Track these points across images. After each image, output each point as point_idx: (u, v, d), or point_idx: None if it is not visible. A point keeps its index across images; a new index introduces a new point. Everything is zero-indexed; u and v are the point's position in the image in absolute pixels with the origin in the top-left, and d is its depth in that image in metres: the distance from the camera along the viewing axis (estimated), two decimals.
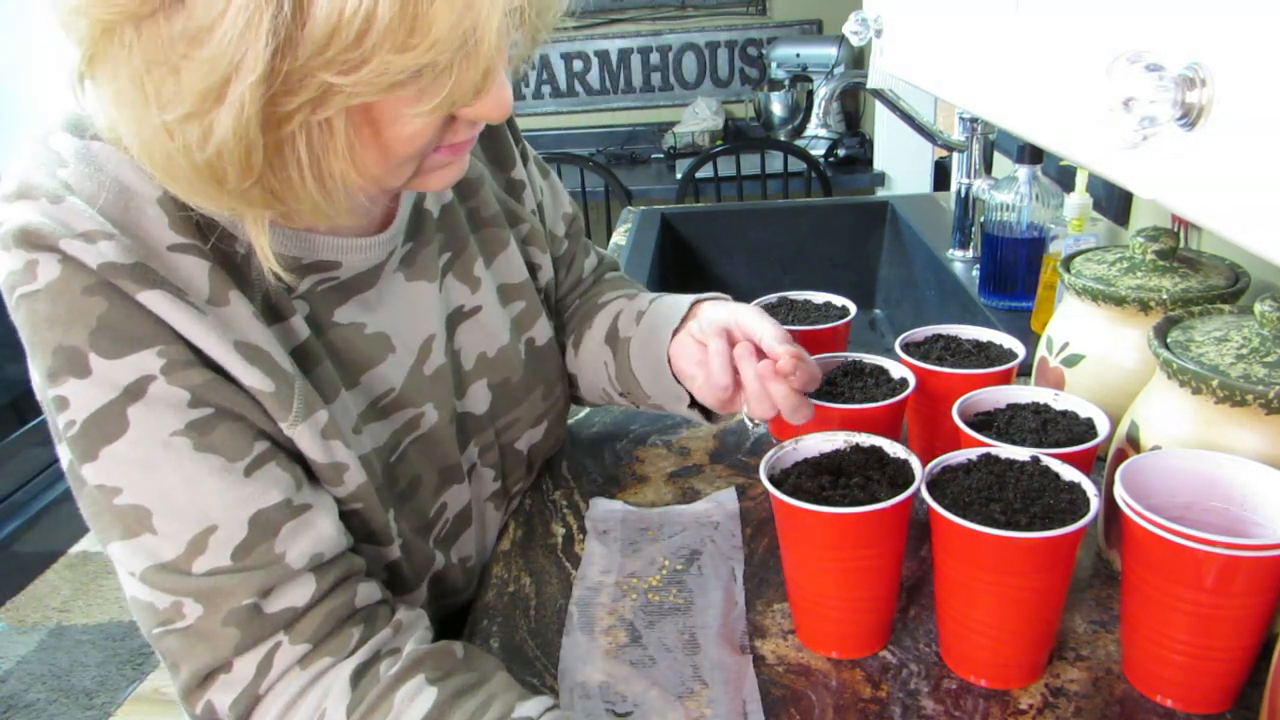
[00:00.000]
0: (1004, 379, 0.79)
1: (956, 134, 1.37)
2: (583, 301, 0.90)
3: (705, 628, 0.69)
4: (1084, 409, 0.71)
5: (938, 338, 0.86)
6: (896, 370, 0.81)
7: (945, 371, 0.79)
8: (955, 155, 1.40)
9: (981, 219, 1.26)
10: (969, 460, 0.64)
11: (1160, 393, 0.65)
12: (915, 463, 0.63)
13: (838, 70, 2.95)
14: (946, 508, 0.58)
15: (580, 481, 0.90)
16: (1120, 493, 0.57)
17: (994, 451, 0.65)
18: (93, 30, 0.44)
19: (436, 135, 0.53)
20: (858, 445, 0.68)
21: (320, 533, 0.56)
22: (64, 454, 0.54)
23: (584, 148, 3.15)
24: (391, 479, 0.67)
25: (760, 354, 0.70)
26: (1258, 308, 0.63)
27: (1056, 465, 0.62)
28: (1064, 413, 0.72)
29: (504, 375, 0.77)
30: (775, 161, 2.59)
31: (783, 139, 2.92)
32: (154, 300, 0.51)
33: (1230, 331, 0.64)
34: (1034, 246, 1.19)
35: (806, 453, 0.68)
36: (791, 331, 0.88)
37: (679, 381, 0.77)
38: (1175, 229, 0.87)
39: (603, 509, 0.84)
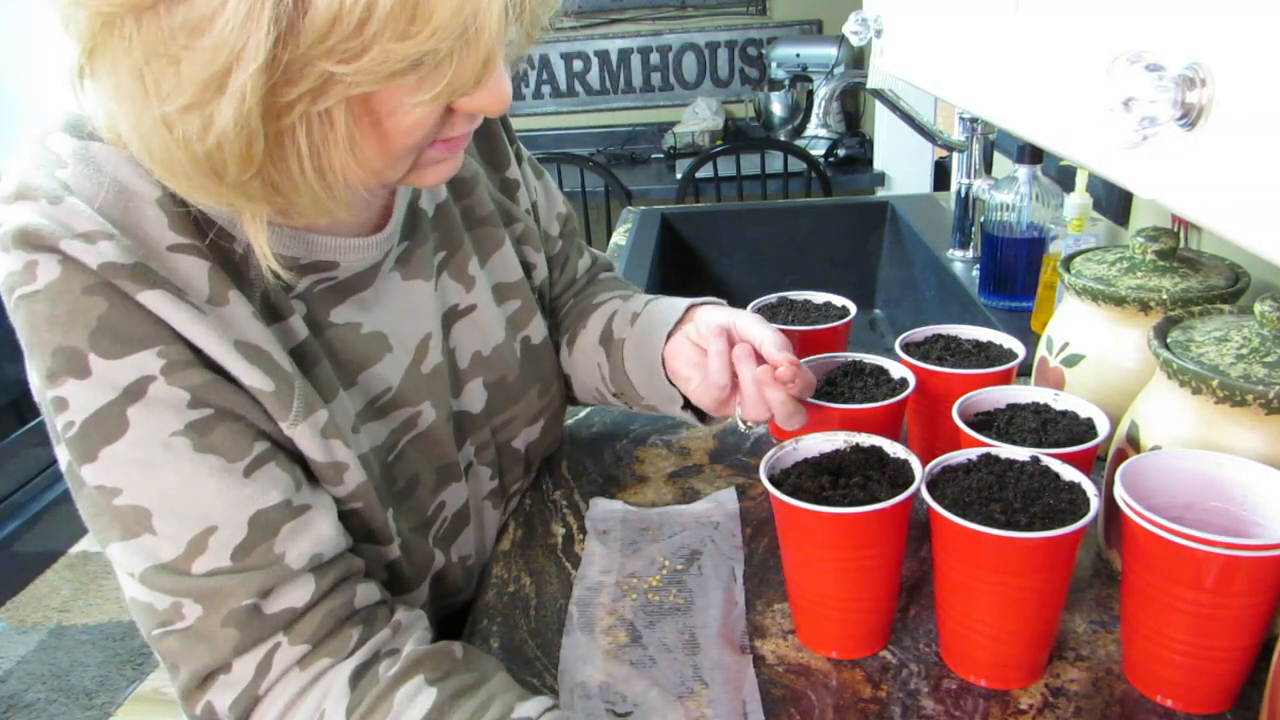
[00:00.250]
0: (1004, 379, 0.79)
1: (956, 134, 1.37)
2: (577, 301, 0.90)
3: (705, 628, 0.69)
4: (1084, 409, 0.71)
5: (938, 338, 0.86)
6: (896, 370, 0.81)
7: (945, 371, 0.79)
8: (955, 155, 1.40)
9: (981, 219, 1.26)
10: (969, 460, 0.64)
11: (1160, 393, 0.65)
12: (915, 463, 0.63)
13: (838, 70, 2.95)
14: (946, 508, 0.58)
15: (580, 481, 0.90)
16: (1120, 493, 0.57)
17: (994, 451, 0.65)
18: (92, 23, 0.44)
19: (435, 128, 0.53)
20: (858, 445, 0.68)
21: (320, 533, 0.56)
22: (63, 455, 0.54)
23: (584, 148, 3.15)
24: (390, 478, 0.67)
25: (759, 358, 0.70)
26: (1258, 308, 0.63)
27: (1056, 465, 0.62)
28: (1064, 413, 0.72)
29: (499, 374, 0.77)
30: (775, 161, 2.59)
31: (783, 139, 2.92)
32: (154, 300, 0.51)
33: (1230, 331, 0.64)
34: (1034, 246, 1.19)
35: (806, 453, 0.68)
36: (791, 332, 0.88)
37: (673, 384, 0.77)
38: (1175, 229, 0.87)
39: (603, 509, 0.84)
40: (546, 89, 3.33)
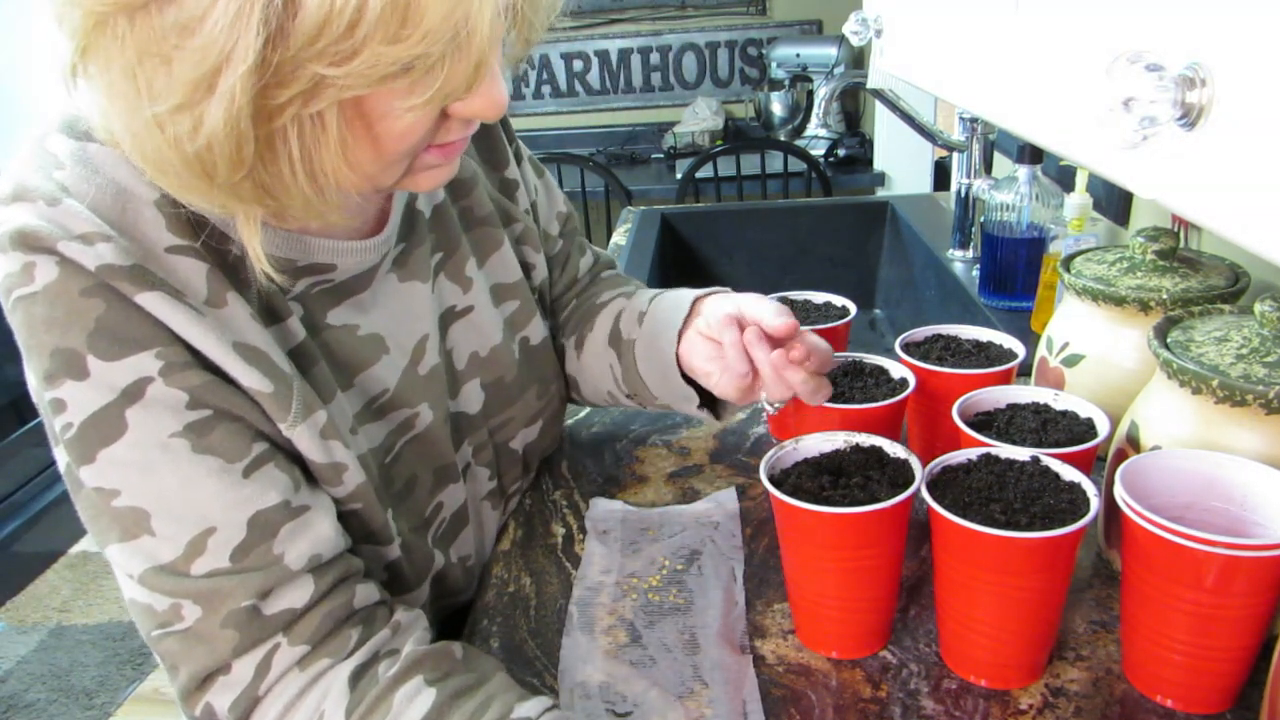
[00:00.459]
0: (1004, 379, 0.79)
1: (956, 134, 1.37)
2: (580, 302, 0.90)
3: (705, 628, 0.69)
4: (1084, 409, 0.71)
5: (938, 338, 0.86)
6: (896, 370, 0.81)
7: (945, 371, 0.79)
8: (955, 155, 1.40)
9: (981, 219, 1.26)
10: (969, 460, 0.64)
11: (1160, 393, 0.65)
12: (915, 463, 0.63)
13: (838, 70, 2.95)
14: (946, 508, 0.58)
15: (580, 481, 0.90)
16: (1120, 493, 0.57)
17: (994, 451, 0.65)
18: (86, 21, 0.44)
19: (429, 133, 0.53)
20: (858, 445, 0.68)
21: (319, 534, 0.56)
22: (61, 456, 0.54)
23: (584, 148, 3.15)
24: (388, 479, 0.67)
25: (772, 340, 0.70)
26: (1258, 308, 0.63)
27: (1056, 465, 0.62)
28: (1064, 413, 0.72)
29: (497, 375, 0.77)
30: (775, 161, 2.59)
31: (783, 139, 2.92)
32: (152, 302, 0.51)
33: (1230, 331, 0.64)
34: (1034, 246, 1.19)
35: (806, 453, 0.68)
36: None
37: (689, 382, 0.76)
38: (1175, 229, 0.87)
39: (603, 509, 0.84)
40: (546, 89, 3.33)
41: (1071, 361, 0.81)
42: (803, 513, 0.60)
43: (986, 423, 0.72)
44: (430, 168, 0.56)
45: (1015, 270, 1.21)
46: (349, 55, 0.43)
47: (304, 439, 0.57)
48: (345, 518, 0.60)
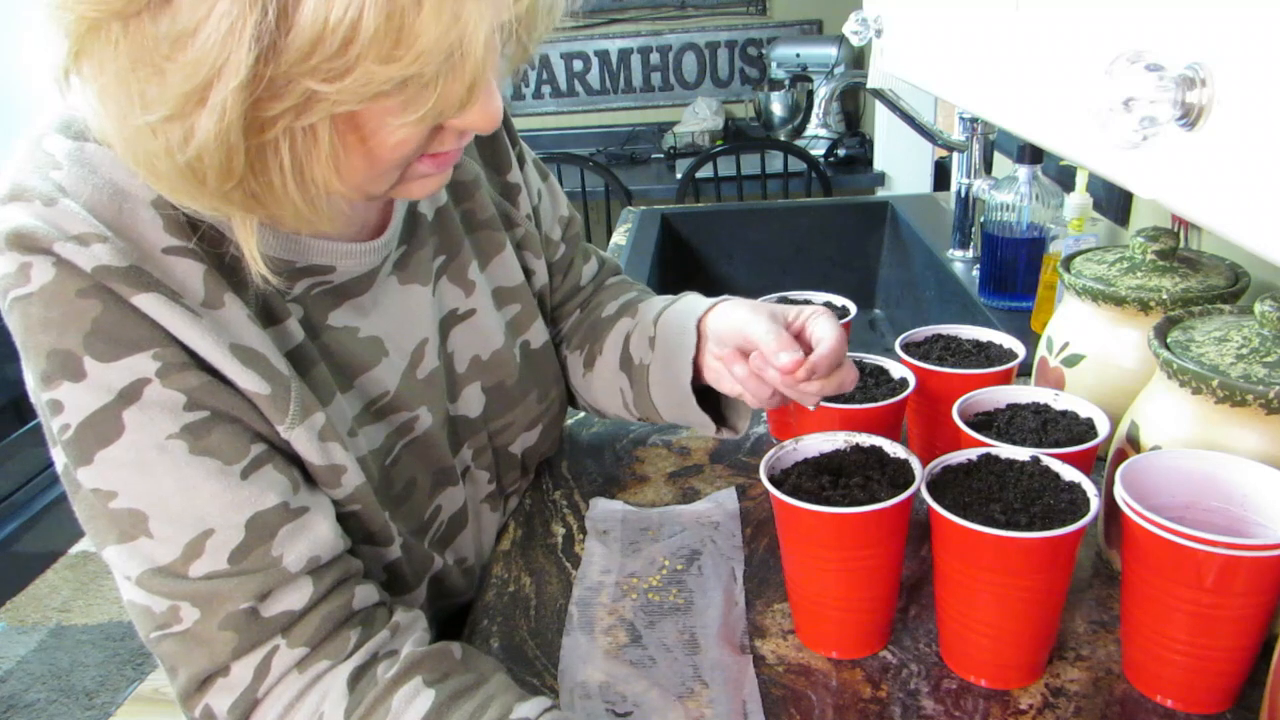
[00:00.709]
0: (1004, 379, 0.79)
1: (956, 134, 1.37)
2: (585, 314, 0.88)
3: (705, 628, 0.68)
4: (1084, 409, 0.71)
5: (938, 338, 0.86)
6: (896, 370, 0.81)
7: (945, 371, 0.79)
8: (955, 155, 1.40)
9: (981, 219, 1.26)
10: (969, 460, 0.64)
11: (1160, 393, 0.65)
12: (915, 463, 0.63)
13: (838, 70, 2.95)
14: (946, 508, 0.58)
15: (580, 481, 0.90)
16: (1120, 493, 0.57)
17: (994, 451, 0.65)
18: (79, 25, 0.44)
19: (423, 144, 0.52)
20: (858, 445, 0.68)
21: (318, 535, 0.56)
22: (59, 458, 0.54)
23: (584, 148, 3.14)
24: (387, 481, 0.67)
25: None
26: (1258, 308, 0.63)
27: (1056, 465, 0.62)
28: (1064, 413, 0.72)
29: (498, 378, 0.77)
30: (775, 161, 2.59)
31: (783, 139, 2.92)
32: (149, 303, 0.51)
33: (1230, 331, 0.64)
34: (1034, 246, 1.19)
35: (806, 453, 0.68)
36: None
37: (711, 397, 0.76)
38: (1175, 229, 0.87)
39: (603, 509, 0.84)
40: (546, 89, 3.33)
41: (1071, 361, 0.81)
42: (803, 513, 0.60)
43: (986, 423, 0.72)
44: (422, 176, 0.56)
45: (1015, 270, 1.21)
46: (342, 72, 0.43)
47: (302, 441, 0.56)
48: (344, 519, 0.60)
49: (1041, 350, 0.86)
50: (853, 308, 0.92)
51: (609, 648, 0.68)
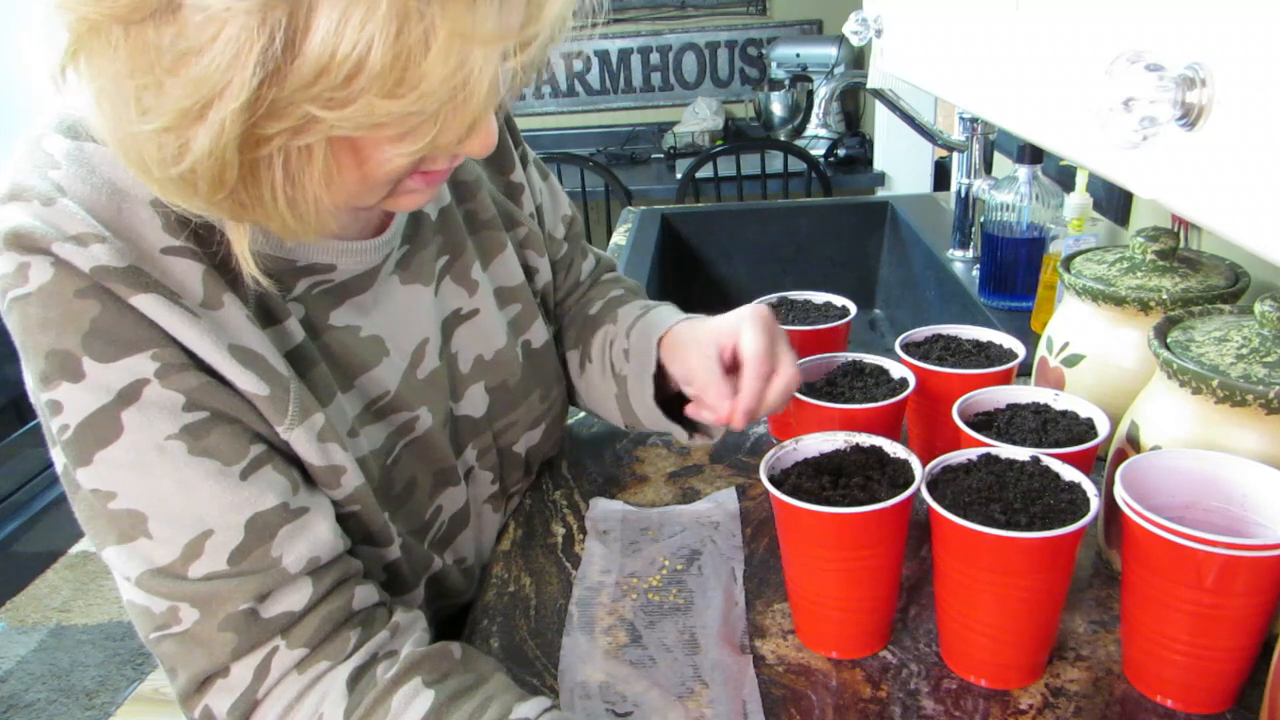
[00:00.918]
0: (1004, 379, 0.79)
1: (956, 134, 1.37)
2: (578, 311, 0.89)
3: (705, 628, 0.68)
4: (1084, 409, 0.71)
5: (938, 338, 0.86)
6: (896, 370, 0.81)
7: (945, 371, 0.79)
8: (955, 155, 1.40)
9: (981, 219, 1.26)
10: (969, 460, 0.64)
11: (1160, 393, 0.65)
12: (915, 463, 0.63)
13: (838, 70, 2.95)
14: (946, 508, 0.58)
15: (580, 481, 0.90)
16: (1120, 493, 0.57)
17: (994, 451, 0.65)
18: (80, 26, 0.43)
19: (416, 162, 0.53)
20: (858, 445, 0.68)
21: (317, 536, 0.56)
22: (58, 458, 0.54)
23: (584, 148, 3.14)
24: (388, 482, 0.67)
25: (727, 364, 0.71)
26: (1258, 308, 0.63)
27: (1056, 465, 0.62)
28: (1064, 413, 0.72)
29: (501, 378, 0.77)
30: (775, 161, 2.59)
31: (783, 139, 2.92)
32: (147, 304, 0.51)
33: (1230, 331, 0.64)
34: (1034, 246, 1.19)
35: (806, 453, 0.68)
36: (791, 332, 0.88)
37: (672, 418, 0.78)
38: (1175, 229, 0.87)
39: (603, 509, 0.84)
40: (546, 89, 3.33)
41: (1071, 361, 0.81)
42: (803, 513, 0.60)
43: (986, 423, 0.72)
44: (412, 191, 0.56)
45: (1015, 270, 1.21)
46: (344, 102, 0.43)
47: (301, 442, 0.56)
48: (344, 519, 0.60)
49: (1041, 350, 0.86)
50: (853, 308, 0.92)
51: (609, 648, 0.67)
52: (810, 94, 3.02)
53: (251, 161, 0.46)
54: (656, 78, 3.30)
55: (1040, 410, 0.72)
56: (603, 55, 3.27)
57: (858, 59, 2.99)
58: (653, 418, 0.79)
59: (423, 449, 0.70)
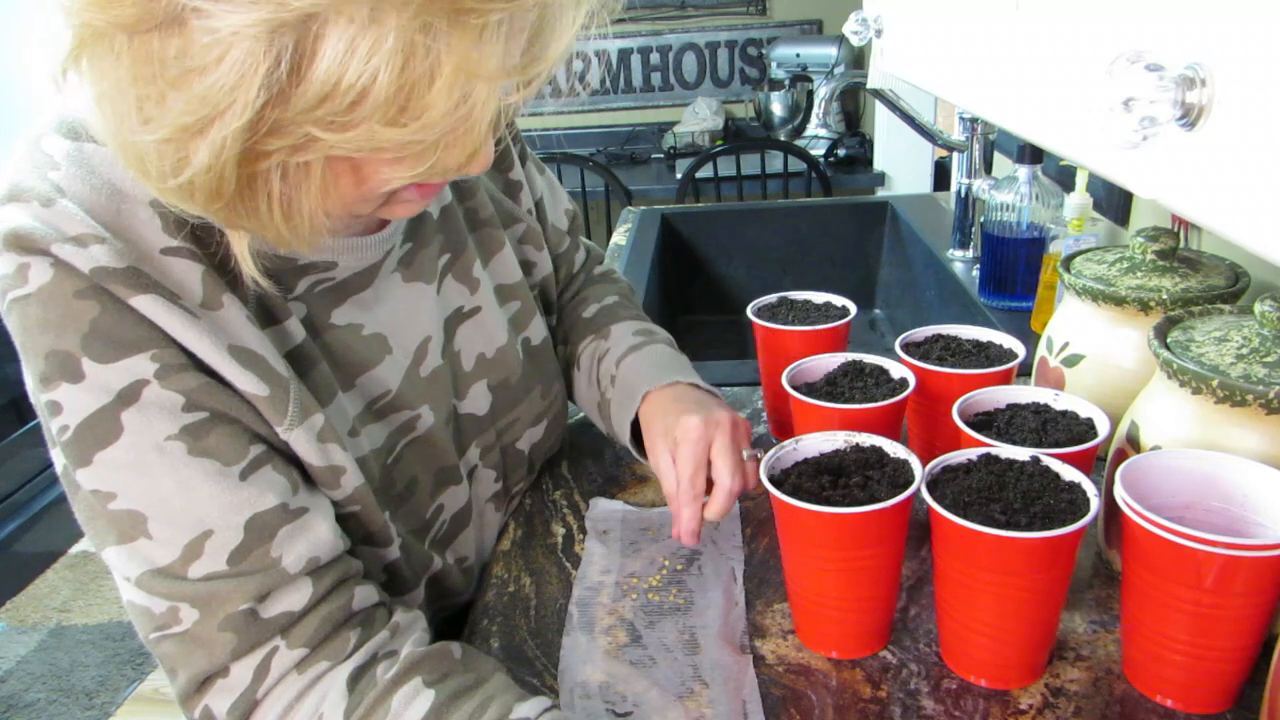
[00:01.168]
0: (1004, 379, 0.79)
1: (956, 134, 1.37)
2: (571, 309, 0.91)
3: (705, 628, 0.68)
4: (1084, 409, 0.71)
5: (938, 338, 0.86)
6: (896, 370, 0.81)
7: (945, 371, 0.79)
8: (955, 155, 1.40)
9: (981, 219, 1.26)
10: (969, 460, 0.64)
11: (1160, 393, 0.65)
12: (915, 463, 0.63)
13: (838, 70, 2.95)
14: (946, 508, 0.58)
15: (580, 481, 0.90)
16: (1120, 493, 0.57)
17: (994, 451, 0.65)
18: (83, 31, 0.43)
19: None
20: (858, 445, 0.68)
21: (317, 536, 0.56)
22: (58, 459, 0.54)
23: (584, 148, 3.14)
24: (388, 481, 0.67)
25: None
26: (1258, 308, 0.63)
27: (1056, 465, 0.62)
28: (1064, 413, 0.72)
29: (503, 375, 0.77)
30: (775, 161, 2.59)
31: (783, 139, 2.92)
32: (146, 304, 0.51)
33: (1230, 331, 0.64)
34: (1034, 246, 1.19)
35: (806, 453, 0.68)
36: (791, 332, 0.88)
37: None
38: (1175, 229, 0.87)
39: (603, 509, 0.84)
40: (547, 89, 3.32)
41: (1071, 361, 0.81)
42: (803, 513, 0.60)
43: (986, 423, 0.72)
44: (407, 201, 0.56)
45: (1015, 270, 1.21)
46: (345, 126, 0.43)
47: (301, 442, 0.56)
48: (344, 519, 0.60)
49: (1041, 350, 0.86)
50: (853, 308, 0.92)
51: (609, 648, 0.67)
52: (810, 94, 3.02)
53: (249, 175, 0.46)
54: (656, 78, 3.30)
55: (1040, 410, 0.72)
56: (603, 55, 3.27)
57: (858, 59, 2.99)
58: (630, 448, 0.82)
59: (424, 448, 0.70)
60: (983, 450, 0.65)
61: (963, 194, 1.40)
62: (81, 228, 0.50)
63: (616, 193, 2.63)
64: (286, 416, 0.55)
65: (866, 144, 2.82)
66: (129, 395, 0.51)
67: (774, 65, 3.08)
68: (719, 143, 2.96)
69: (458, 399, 0.74)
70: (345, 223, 0.62)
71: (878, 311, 1.78)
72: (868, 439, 0.68)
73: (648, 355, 0.82)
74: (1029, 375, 0.93)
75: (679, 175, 2.65)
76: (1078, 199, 1.14)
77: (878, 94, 1.26)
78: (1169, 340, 0.66)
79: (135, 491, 0.52)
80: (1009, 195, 1.19)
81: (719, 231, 1.80)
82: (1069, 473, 0.61)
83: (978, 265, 1.32)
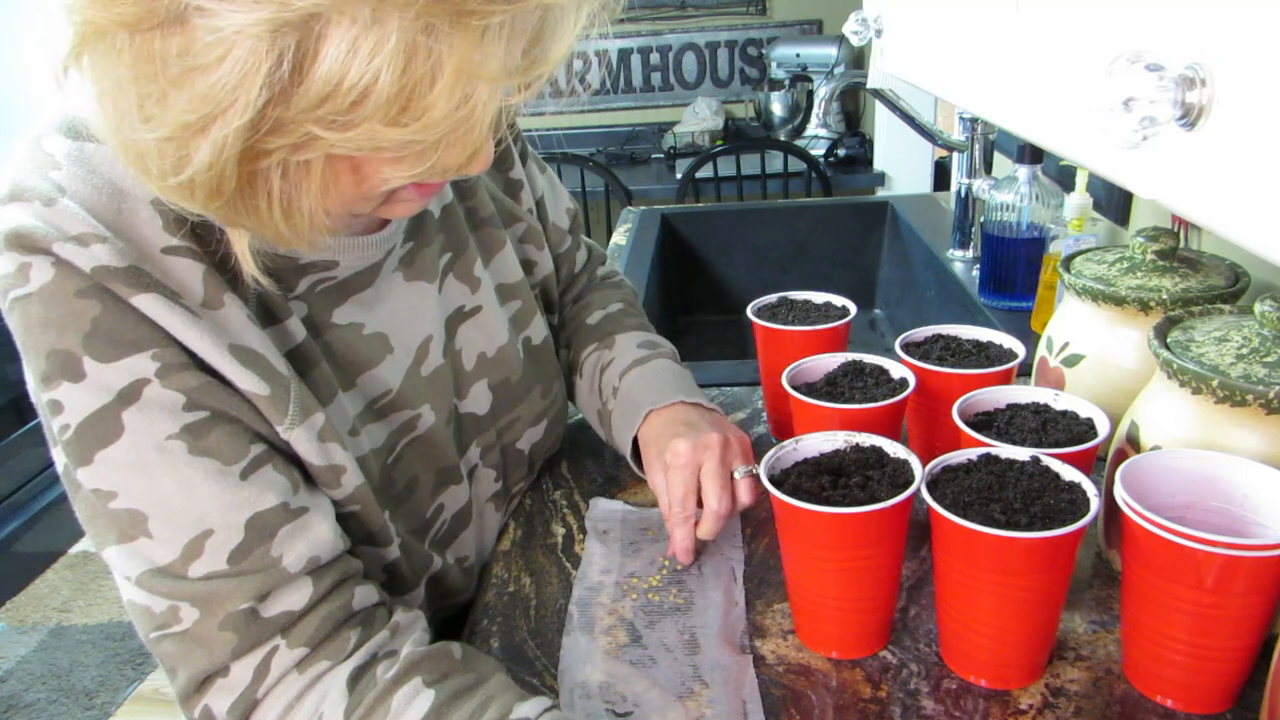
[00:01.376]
0: (1004, 379, 0.79)
1: (956, 134, 1.37)
2: (573, 312, 0.91)
3: (705, 628, 0.68)
4: (1084, 409, 0.71)
5: (938, 338, 0.86)
6: (896, 370, 0.81)
7: (945, 371, 0.79)
8: (955, 155, 1.40)
9: (981, 219, 1.26)
10: (969, 460, 0.64)
11: (1160, 393, 0.65)
12: (915, 463, 0.63)
13: (838, 70, 2.95)
14: (946, 508, 0.58)
15: (580, 481, 0.90)
16: (1120, 493, 0.57)
17: (994, 451, 0.65)
18: (85, 29, 0.43)
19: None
20: (858, 445, 0.68)
21: (317, 536, 0.56)
22: (59, 458, 0.54)
23: (584, 148, 3.14)
24: (388, 481, 0.67)
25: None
26: (1258, 308, 0.63)
27: (1056, 465, 0.62)
28: (1064, 413, 0.72)
29: (504, 375, 0.77)
30: (775, 161, 2.59)
31: (783, 139, 2.92)
32: (148, 303, 0.51)
33: (1230, 331, 0.64)
34: (1034, 246, 1.19)
35: (806, 453, 0.68)
36: (791, 332, 0.88)
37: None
38: (1175, 229, 0.87)
39: (603, 509, 0.84)
40: (547, 89, 3.32)
41: (1071, 361, 0.81)
42: (803, 513, 0.60)
43: (986, 423, 0.72)
44: (406, 200, 0.56)
45: (1015, 270, 1.21)
46: (346, 126, 0.44)
47: (301, 442, 0.56)
48: (344, 519, 0.60)
49: (1041, 350, 0.86)
50: (853, 308, 0.92)
51: (609, 648, 0.68)
52: (810, 94, 3.02)
53: (249, 173, 0.46)
54: (656, 78, 3.30)
55: (1040, 410, 0.72)
56: (603, 55, 3.27)
57: (858, 59, 2.99)
58: (630, 462, 0.82)
59: (424, 447, 0.70)
60: (983, 450, 0.65)
61: (963, 194, 1.40)
62: (83, 227, 0.50)
63: (616, 193, 2.63)
64: (287, 416, 0.55)
65: (866, 144, 2.82)
66: (130, 394, 0.51)
67: (774, 65, 3.08)
68: (719, 143, 2.96)
69: (458, 398, 0.74)
70: (345, 221, 0.62)
71: (878, 311, 1.78)
72: (868, 439, 0.68)
73: (651, 371, 0.82)
74: (1029, 375, 0.93)
75: (679, 175, 2.65)
76: (1078, 199, 1.14)
77: (878, 94, 1.26)
78: (1169, 340, 0.66)
79: (136, 490, 0.52)
80: (1009, 195, 1.19)
81: (719, 231, 1.80)
82: (1069, 473, 0.61)
83: (978, 265, 1.32)
